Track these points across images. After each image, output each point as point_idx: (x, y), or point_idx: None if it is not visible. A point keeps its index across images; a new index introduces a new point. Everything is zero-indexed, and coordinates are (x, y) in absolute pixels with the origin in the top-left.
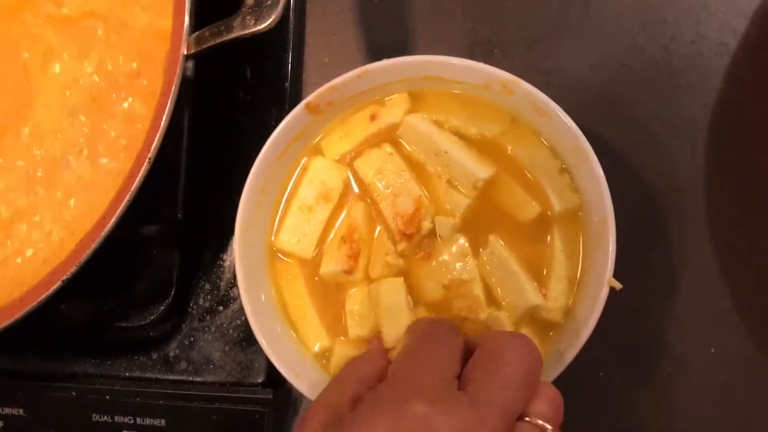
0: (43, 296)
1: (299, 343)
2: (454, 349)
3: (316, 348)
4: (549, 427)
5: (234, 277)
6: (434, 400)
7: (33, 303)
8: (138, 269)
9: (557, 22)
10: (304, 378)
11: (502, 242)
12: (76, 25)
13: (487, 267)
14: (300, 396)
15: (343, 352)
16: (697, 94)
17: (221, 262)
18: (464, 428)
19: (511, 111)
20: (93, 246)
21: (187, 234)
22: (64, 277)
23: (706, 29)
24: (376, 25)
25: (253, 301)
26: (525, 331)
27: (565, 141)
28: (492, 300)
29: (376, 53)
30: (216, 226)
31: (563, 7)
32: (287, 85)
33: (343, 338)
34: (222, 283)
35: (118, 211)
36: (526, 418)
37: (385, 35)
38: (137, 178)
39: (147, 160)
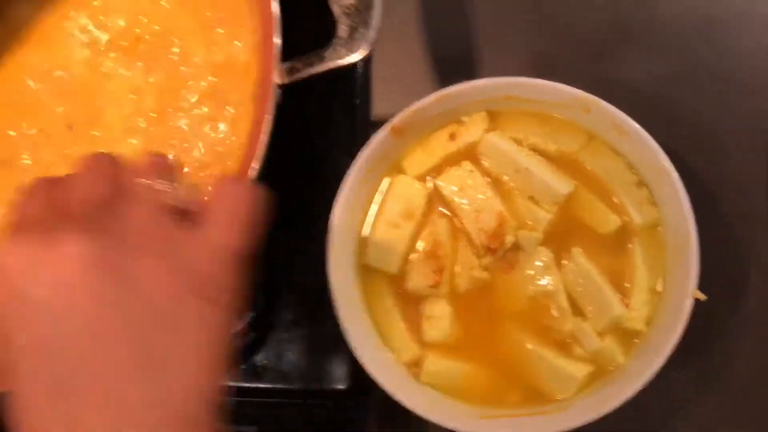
0: None
1: (388, 351)
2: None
3: (406, 357)
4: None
5: (316, 290)
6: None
7: None
8: None
9: (621, 36)
10: (396, 384)
11: (584, 255)
12: (161, 52)
13: (571, 279)
14: (381, 401)
15: (433, 362)
16: (762, 105)
17: (304, 277)
18: (34, 242)
19: (588, 128)
20: None
21: (271, 250)
22: None
23: None
24: (441, 40)
25: (346, 313)
26: (609, 339)
27: (644, 157)
28: (576, 311)
29: (442, 68)
30: (298, 244)
31: (627, 22)
32: (357, 100)
33: (430, 348)
34: (305, 297)
35: None
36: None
37: (451, 50)
38: None
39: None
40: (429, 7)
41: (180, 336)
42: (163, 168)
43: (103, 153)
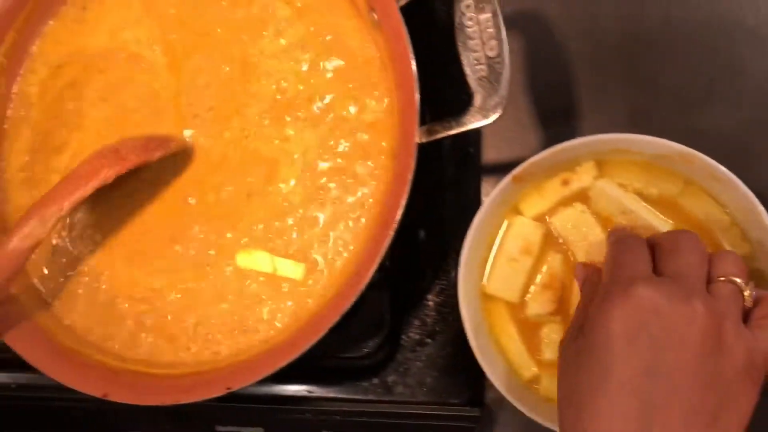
0: (313, 341)
1: (511, 370)
2: (644, 252)
3: (527, 375)
4: (737, 279)
5: (437, 314)
6: (649, 281)
7: (305, 346)
8: (356, 309)
9: (708, 89)
10: (520, 398)
11: None
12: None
13: None
14: (497, 411)
15: (551, 378)
16: None
17: (426, 302)
18: (675, 295)
19: (685, 175)
20: (353, 298)
21: (394, 278)
22: (330, 326)
23: None
24: (543, 95)
25: (475, 336)
26: None
27: (737, 201)
28: None
29: (545, 118)
30: (417, 272)
31: (712, 77)
32: (471, 149)
33: (548, 367)
34: (428, 320)
35: (371, 267)
36: (719, 278)
37: (552, 103)
38: (384, 244)
39: (391, 229)
40: (535, 71)
41: (733, 406)
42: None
43: (693, 233)
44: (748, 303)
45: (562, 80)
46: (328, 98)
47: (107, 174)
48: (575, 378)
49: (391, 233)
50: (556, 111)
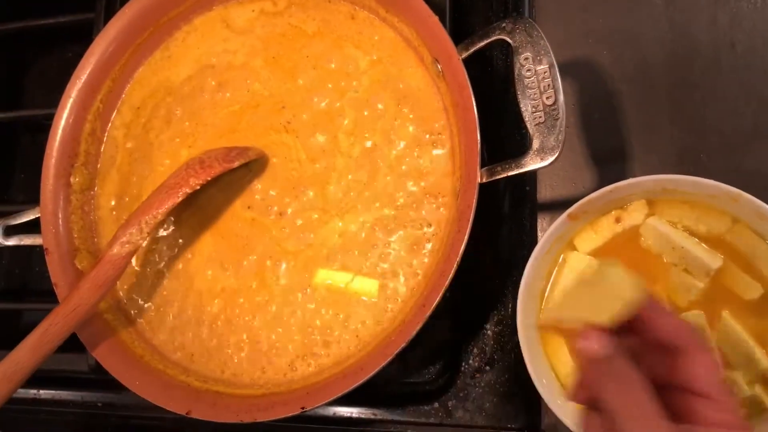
0: (381, 364)
1: (566, 395)
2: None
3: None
4: None
5: (496, 342)
6: None
7: (375, 369)
8: (419, 336)
9: (752, 131)
10: (575, 422)
11: (732, 317)
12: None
13: (722, 337)
14: None
15: None
16: None
17: (485, 331)
18: None
19: (732, 213)
20: (419, 325)
21: (456, 308)
22: (398, 350)
23: None
24: (595, 136)
25: (533, 364)
26: (758, 388)
27: None
28: (727, 364)
29: (597, 159)
30: (476, 302)
31: (757, 119)
32: (528, 188)
33: None
34: (487, 348)
35: (436, 297)
36: None
37: (604, 144)
38: (449, 276)
39: (455, 262)
40: (586, 114)
41: None
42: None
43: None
44: None
45: (614, 123)
46: (401, 144)
47: (195, 182)
48: None
49: (455, 266)
50: (608, 152)
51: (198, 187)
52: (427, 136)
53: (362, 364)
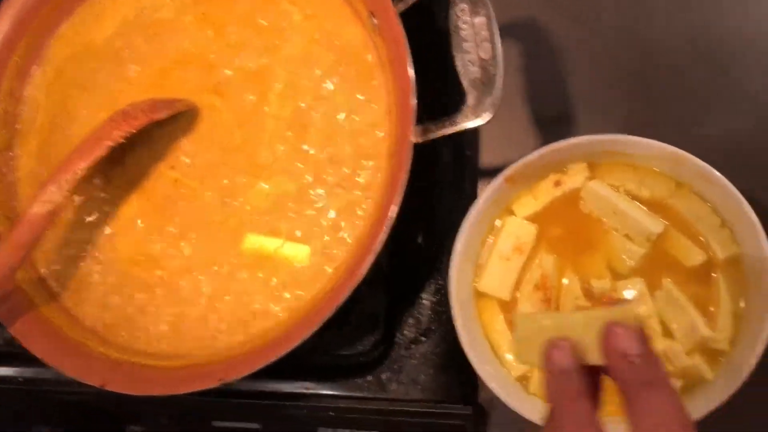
0: (307, 334)
1: (502, 368)
2: (584, 420)
3: (517, 372)
4: None
5: (433, 312)
6: None
7: (298, 340)
8: (352, 306)
9: (704, 97)
10: (511, 395)
11: (674, 284)
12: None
13: (662, 305)
14: (490, 411)
15: (540, 378)
16: None
17: (421, 300)
18: None
19: (676, 177)
20: (347, 293)
21: (391, 277)
22: (324, 318)
23: None
24: (541, 98)
25: (467, 333)
26: (697, 358)
27: (727, 203)
28: (667, 333)
29: (542, 122)
30: (413, 271)
31: (707, 86)
32: (468, 152)
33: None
34: (423, 318)
35: (365, 263)
36: None
37: (549, 106)
38: (379, 240)
39: (386, 224)
40: (532, 73)
41: None
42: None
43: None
44: None
45: (560, 86)
46: (335, 104)
47: (118, 134)
48: None
49: (386, 230)
50: (554, 116)
51: (121, 140)
52: (362, 95)
53: (289, 334)
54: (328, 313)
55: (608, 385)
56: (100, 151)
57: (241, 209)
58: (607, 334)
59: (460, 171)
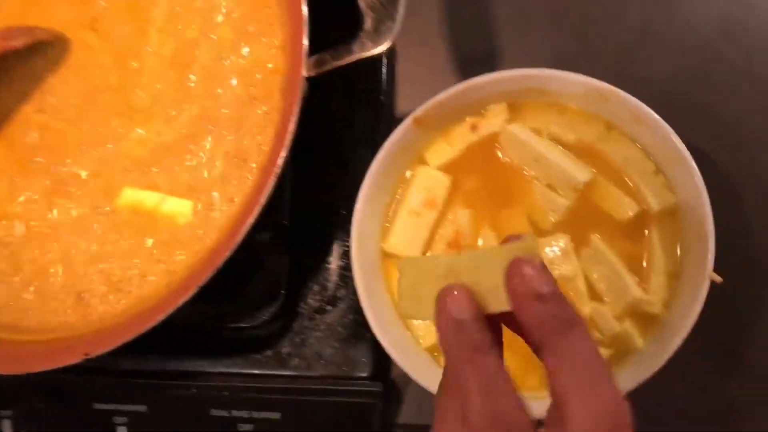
0: (181, 301)
1: (411, 337)
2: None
3: (428, 342)
4: None
5: (340, 278)
6: None
7: (172, 308)
8: (250, 273)
9: (640, 33)
10: (418, 369)
11: (602, 240)
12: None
13: (589, 264)
14: (404, 387)
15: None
16: None
17: (327, 265)
18: None
19: (606, 118)
20: (226, 254)
21: (294, 240)
22: (200, 283)
23: None
24: (464, 37)
25: (370, 300)
26: (627, 323)
27: (661, 145)
28: (594, 295)
29: (465, 65)
30: (320, 232)
31: (646, 16)
32: (382, 97)
33: None
34: (329, 285)
35: (249, 220)
36: None
37: (474, 47)
38: (264, 191)
39: (273, 174)
40: (452, 7)
41: None
42: None
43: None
44: None
45: (485, 23)
46: (222, 38)
47: None
48: None
49: (273, 179)
50: (480, 56)
51: None
52: (253, 27)
53: (162, 301)
54: (205, 276)
55: (527, 354)
56: None
57: (115, 159)
58: (513, 273)
59: (373, 119)
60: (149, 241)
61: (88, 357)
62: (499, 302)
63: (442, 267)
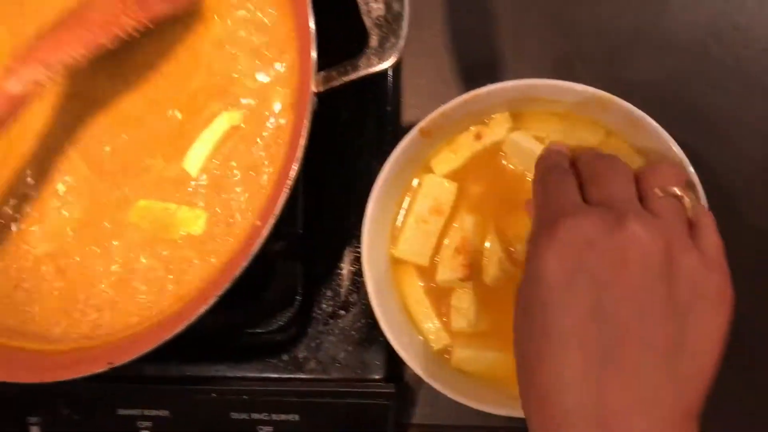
0: (200, 311)
1: (422, 340)
2: (570, 182)
3: (438, 345)
4: (676, 190)
5: (352, 283)
6: (575, 213)
7: (192, 317)
8: (265, 281)
9: (632, 34)
10: (427, 369)
11: None
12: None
13: None
14: (417, 389)
15: (462, 350)
16: None
17: (339, 271)
18: (606, 222)
19: (605, 124)
20: (243, 264)
21: (307, 247)
22: (219, 293)
23: None
24: (466, 49)
25: (381, 304)
26: None
27: (658, 149)
28: None
29: (468, 75)
30: (331, 239)
31: (637, 19)
32: (389, 108)
33: (458, 336)
34: (342, 290)
35: (264, 231)
36: (656, 193)
37: (476, 57)
38: (278, 203)
39: (286, 185)
40: (454, 20)
41: (699, 329)
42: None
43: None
44: (691, 214)
45: (484, 33)
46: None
47: (126, 22)
48: (525, 337)
49: (286, 191)
50: (479, 66)
51: (133, 32)
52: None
53: (182, 311)
54: (224, 286)
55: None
56: (104, 40)
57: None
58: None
59: (381, 130)
60: (165, 252)
61: (112, 366)
62: None
63: None
